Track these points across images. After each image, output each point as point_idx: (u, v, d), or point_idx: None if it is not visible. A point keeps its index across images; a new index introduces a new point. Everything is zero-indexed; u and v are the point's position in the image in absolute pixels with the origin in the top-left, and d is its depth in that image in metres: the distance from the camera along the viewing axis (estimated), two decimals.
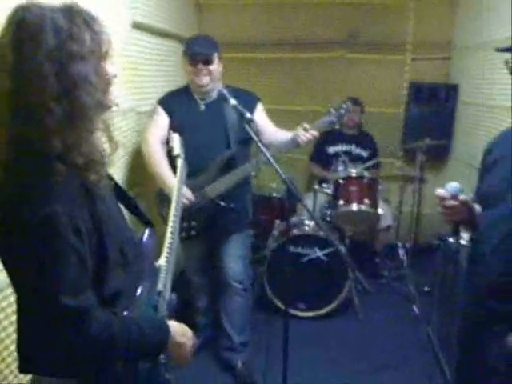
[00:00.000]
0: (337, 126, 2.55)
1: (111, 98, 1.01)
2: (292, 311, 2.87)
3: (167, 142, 2.22)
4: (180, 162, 1.61)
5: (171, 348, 1.10)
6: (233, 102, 1.82)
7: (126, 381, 1.07)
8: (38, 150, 0.92)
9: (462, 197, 1.33)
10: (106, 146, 1.02)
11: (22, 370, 1.05)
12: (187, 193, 2.15)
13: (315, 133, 2.15)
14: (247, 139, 2.13)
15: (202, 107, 2.28)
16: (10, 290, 1.42)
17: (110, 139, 1.02)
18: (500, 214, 1.32)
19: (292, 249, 2.87)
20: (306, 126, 2.15)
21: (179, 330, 1.13)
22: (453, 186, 1.34)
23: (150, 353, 1.09)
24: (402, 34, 4.03)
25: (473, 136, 3.41)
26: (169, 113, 2.29)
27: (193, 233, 2.26)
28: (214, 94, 2.26)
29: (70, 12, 0.93)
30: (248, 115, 1.79)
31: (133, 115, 2.59)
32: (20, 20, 0.89)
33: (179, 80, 3.59)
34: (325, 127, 2.30)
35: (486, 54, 3.21)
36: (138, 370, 1.09)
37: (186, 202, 2.12)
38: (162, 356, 1.15)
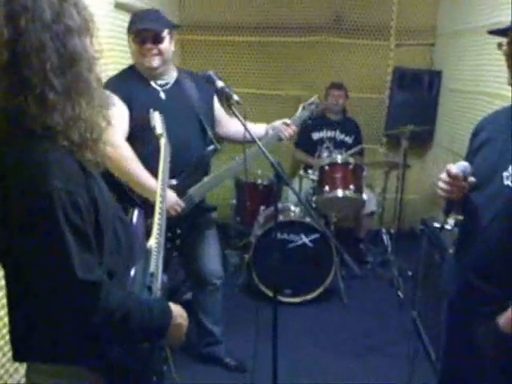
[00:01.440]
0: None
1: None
2: (278, 297, 2.87)
3: (128, 137, 1.93)
4: (163, 142, 1.58)
5: (171, 329, 1.10)
6: (220, 83, 1.76)
7: (126, 364, 1.06)
8: (37, 124, 0.89)
9: (470, 179, 1.32)
10: (102, 122, 0.99)
11: (18, 358, 1.04)
12: (178, 201, 1.95)
13: (295, 128, 2.18)
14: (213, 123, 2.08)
15: (163, 95, 2.02)
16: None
17: (105, 116, 0.99)
18: (489, 195, 1.32)
19: (278, 235, 2.85)
20: (287, 121, 2.16)
21: (179, 312, 1.14)
22: (465, 165, 1.31)
23: (156, 333, 1.09)
24: (387, 19, 4.03)
25: (456, 122, 3.44)
26: (127, 103, 1.92)
27: (178, 242, 2.05)
28: (171, 77, 2.05)
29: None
30: (236, 97, 1.71)
31: None
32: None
33: None
34: (300, 123, 2.26)
35: (469, 40, 3.23)
36: (137, 354, 1.09)
37: (179, 209, 1.95)
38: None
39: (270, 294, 2.83)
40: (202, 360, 2.42)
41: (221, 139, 2.16)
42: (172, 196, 1.94)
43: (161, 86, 2.03)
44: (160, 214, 1.35)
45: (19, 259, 0.93)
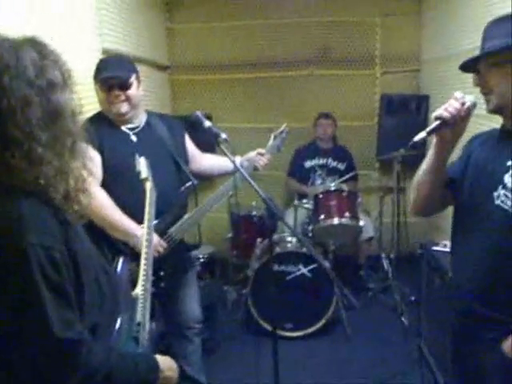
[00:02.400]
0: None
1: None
2: (279, 332, 2.81)
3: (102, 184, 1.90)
4: (149, 185, 1.60)
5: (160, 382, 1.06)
6: (207, 123, 1.80)
7: None
8: (24, 178, 0.89)
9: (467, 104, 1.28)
10: (85, 173, 1.00)
11: None
12: (160, 241, 1.91)
13: (269, 156, 2.22)
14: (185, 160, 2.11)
15: (134, 138, 2.00)
16: None
17: (86, 167, 1.00)
18: (481, 217, 1.31)
19: (276, 267, 2.82)
20: (261, 150, 2.20)
21: (167, 365, 1.10)
22: (471, 99, 1.28)
23: None
24: (371, 49, 4.13)
25: None
26: (98, 149, 1.88)
27: (162, 285, 1.94)
28: (140, 121, 2.04)
29: (37, 44, 0.95)
30: (223, 135, 1.76)
31: None
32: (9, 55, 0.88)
33: (155, 104, 3.66)
34: (274, 151, 2.30)
35: (454, 64, 3.29)
36: None
37: (161, 250, 1.90)
38: None
39: (270, 328, 2.77)
40: None
41: (195, 175, 2.13)
42: (154, 237, 1.83)
43: (131, 129, 2.01)
44: (146, 259, 1.33)
45: None
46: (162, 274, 1.95)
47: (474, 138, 1.48)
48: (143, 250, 1.35)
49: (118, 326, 1.09)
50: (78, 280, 0.94)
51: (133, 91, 1.95)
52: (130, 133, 2.01)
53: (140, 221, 1.60)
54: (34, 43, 0.94)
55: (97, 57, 2.59)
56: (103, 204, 1.82)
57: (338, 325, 2.98)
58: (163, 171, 1.94)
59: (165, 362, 1.10)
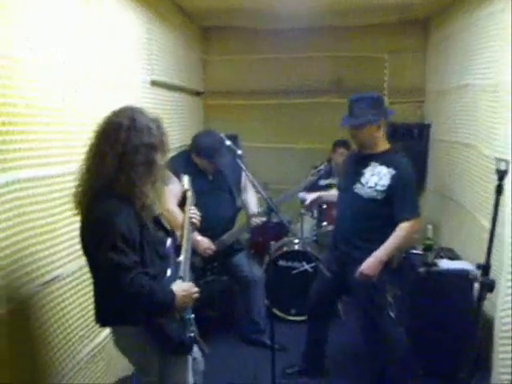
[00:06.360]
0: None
1: None
2: (285, 316, 3.35)
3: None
4: (189, 194, 2.20)
5: (177, 300, 1.63)
6: (227, 142, 2.48)
7: (166, 329, 1.66)
8: (122, 191, 1.58)
9: None
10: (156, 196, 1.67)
11: (97, 323, 1.67)
12: (210, 245, 2.82)
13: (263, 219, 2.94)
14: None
15: (210, 177, 2.94)
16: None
17: (158, 192, 1.66)
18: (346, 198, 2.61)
19: (283, 263, 3.37)
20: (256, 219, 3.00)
21: (180, 288, 1.68)
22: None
23: (166, 306, 1.63)
24: (380, 81, 4.63)
25: (444, 169, 3.83)
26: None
27: (215, 272, 2.94)
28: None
29: (157, 121, 1.66)
30: (239, 152, 2.48)
31: None
32: (132, 118, 1.60)
33: (190, 124, 4.17)
34: (310, 184, 3.07)
35: (453, 97, 3.64)
36: (172, 324, 1.67)
37: (210, 252, 2.81)
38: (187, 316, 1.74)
39: (280, 313, 3.32)
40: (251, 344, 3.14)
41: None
42: (205, 241, 2.79)
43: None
44: (187, 240, 1.93)
45: (92, 260, 1.58)
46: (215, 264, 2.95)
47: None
48: (185, 235, 1.94)
49: (168, 274, 1.72)
50: (141, 248, 1.58)
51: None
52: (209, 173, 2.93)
53: (213, 224, 2.72)
54: (155, 120, 1.65)
55: (147, 87, 3.06)
56: (176, 216, 2.49)
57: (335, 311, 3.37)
58: (224, 200, 2.93)
59: (177, 287, 1.67)
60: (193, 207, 2.11)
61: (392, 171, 2.38)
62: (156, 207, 1.66)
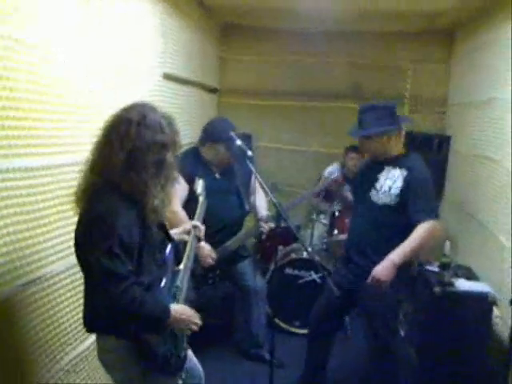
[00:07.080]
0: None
1: None
2: (288, 327, 3.20)
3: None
4: (201, 199, 2.12)
5: (173, 321, 1.51)
6: (238, 142, 2.34)
7: (155, 345, 1.52)
8: (129, 187, 1.45)
9: None
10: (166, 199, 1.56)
11: (85, 327, 1.52)
12: (211, 252, 2.61)
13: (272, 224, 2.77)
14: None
15: (217, 176, 2.76)
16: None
17: (168, 195, 1.55)
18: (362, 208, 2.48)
19: (289, 271, 3.22)
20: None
21: (179, 311, 1.55)
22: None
23: (158, 322, 1.50)
24: (401, 88, 4.52)
25: (462, 181, 3.73)
26: (188, 182, 2.50)
27: (216, 280, 2.74)
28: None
29: (169, 119, 1.54)
30: (249, 153, 2.32)
31: None
32: (143, 114, 1.46)
33: (203, 121, 4.05)
34: (319, 191, 3.02)
35: (474, 111, 3.57)
36: (160, 340, 1.53)
37: (211, 261, 2.60)
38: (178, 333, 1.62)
39: (282, 324, 3.17)
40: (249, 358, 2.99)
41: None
42: (206, 248, 2.56)
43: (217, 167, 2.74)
44: (190, 246, 1.82)
45: (84, 262, 1.44)
46: (217, 272, 2.73)
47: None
48: (189, 239, 1.83)
49: (163, 283, 1.60)
50: (139, 254, 1.45)
51: None
52: (216, 170, 2.74)
53: (219, 227, 2.62)
54: (167, 117, 1.53)
55: (158, 80, 2.97)
56: (180, 218, 2.44)
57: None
58: (232, 201, 2.74)
59: (178, 309, 1.54)
60: (202, 215, 2.01)
61: (404, 172, 2.26)
62: (164, 211, 1.54)
